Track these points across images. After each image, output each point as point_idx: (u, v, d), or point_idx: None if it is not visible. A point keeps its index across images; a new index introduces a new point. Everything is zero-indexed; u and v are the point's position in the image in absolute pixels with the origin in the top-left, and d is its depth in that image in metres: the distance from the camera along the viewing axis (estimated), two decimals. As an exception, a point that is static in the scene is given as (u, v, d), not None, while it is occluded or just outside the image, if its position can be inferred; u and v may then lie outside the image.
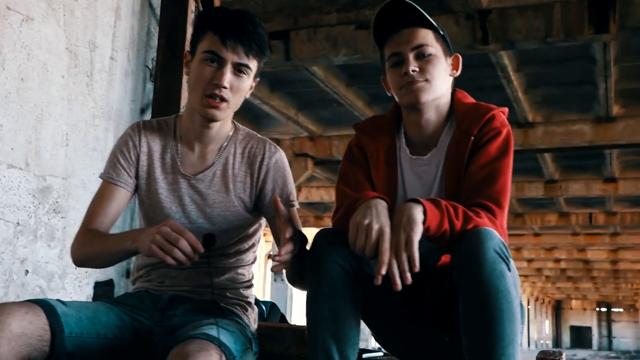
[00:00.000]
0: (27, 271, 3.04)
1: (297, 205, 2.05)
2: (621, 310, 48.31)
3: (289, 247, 1.71)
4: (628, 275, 34.36)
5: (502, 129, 1.91)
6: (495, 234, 1.67)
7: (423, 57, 1.94)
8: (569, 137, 11.50)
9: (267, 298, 12.60)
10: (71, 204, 3.29)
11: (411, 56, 1.94)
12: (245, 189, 2.02)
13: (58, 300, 1.75)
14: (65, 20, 3.26)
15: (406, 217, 1.64)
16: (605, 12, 7.91)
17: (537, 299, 47.73)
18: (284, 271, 1.91)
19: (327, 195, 15.97)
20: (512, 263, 1.67)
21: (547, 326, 54.16)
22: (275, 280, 15.54)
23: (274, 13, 8.83)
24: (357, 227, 1.67)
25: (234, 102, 1.93)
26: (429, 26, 1.96)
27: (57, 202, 3.21)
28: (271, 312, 2.41)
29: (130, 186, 2.03)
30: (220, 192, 2.00)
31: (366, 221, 1.66)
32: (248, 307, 2.03)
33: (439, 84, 1.96)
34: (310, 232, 2.10)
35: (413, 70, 1.92)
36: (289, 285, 2.07)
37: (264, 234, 14.92)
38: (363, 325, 1.89)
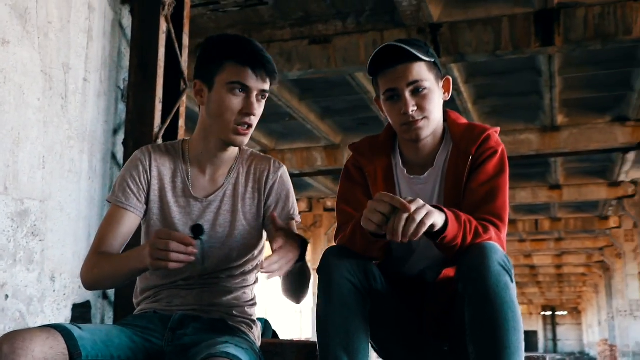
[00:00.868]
0: (7, 296, 3.02)
1: (298, 219, 2.12)
2: (565, 313, 49.53)
3: (274, 259, 1.75)
4: (571, 278, 35.34)
5: (497, 148, 2.02)
6: (499, 248, 1.78)
7: (419, 93, 2.01)
8: (516, 147, 11.83)
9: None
10: (49, 226, 3.27)
11: (407, 93, 2.00)
12: (253, 205, 2.08)
13: (73, 324, 1.77)
14: (39, 42, 3.25)
15: (428, 210, 1.71)
16: (550, 26, 8.21)
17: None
18: None
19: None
20: (513, 275, 1.78)
21: (540, 336, 54.99)
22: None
23: (227, 28, 8.86)
24: (373, 205, 1.74)
25: (254, 126, 2.02)
26: (421, 58, 2.02)
27: (35, 225, 3.19)
28: (265, 328, 2.46)
29: (140, 211, 2.05)
30: (229, 212, 2.06)
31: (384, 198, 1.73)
32: (253, 325, 2.08)
33: (436, 116, 2.06)
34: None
35: (412, 110, 2.00)
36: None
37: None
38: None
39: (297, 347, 2.14)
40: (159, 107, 3.76)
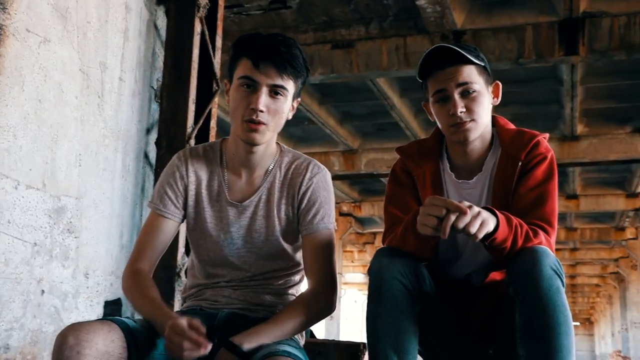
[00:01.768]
0: (43, 291, 3.05)
1: (332, 227, 2.05)
2: (577, 324, 49.21)
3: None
4: (585, 289, 35.11)
5: (547, 154, 2.03)
6: (550, 252, 1.79)
7: (468, 95, 2.02)
8: (535, 155, 11.76)
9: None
10: (84, 223, 3.31)
11: (456, 95, 2.02)
12: (289, 211, 2.04)
13: (128, 317, 1.79)
14: (78, 41, 3.29)
15: (484, 216, 1.73)
16: (574, 35, 8.20)
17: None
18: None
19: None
20: (564, 280, 1.79)
21: None
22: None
23: (250, 31, 8.82)
24: (426, 209, 1.76)
25: (274, 124, 1.94)
26: (471, 61, 2.04)
27: (70, 222, 3.22)
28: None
29: (178, 217, 2.05)
30: (264, 217, 2.03)
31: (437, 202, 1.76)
32: (298, 325, 2.08)
33: (485, 120, 2.07)
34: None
35: (461, 112, 2.01)
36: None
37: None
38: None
39: (340, 347, 2.16)
40: (192, 107, 3.79)
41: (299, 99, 2.03)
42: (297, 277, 2.10)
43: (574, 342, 1.74)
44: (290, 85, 1.94)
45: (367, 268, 2.22)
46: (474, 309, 2.04)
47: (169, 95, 3.81)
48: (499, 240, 1.77)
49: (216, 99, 4.03)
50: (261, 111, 1.89)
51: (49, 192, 3.09)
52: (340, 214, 17.82)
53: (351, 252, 25.45)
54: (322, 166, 2.11)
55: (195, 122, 3.83)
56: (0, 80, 2.81)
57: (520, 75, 9.85)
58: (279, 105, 1.93)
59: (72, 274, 3.23)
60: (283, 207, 2.04)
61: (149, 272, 2.02)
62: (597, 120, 11.43)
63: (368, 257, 23.84)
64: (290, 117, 2.00)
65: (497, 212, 1.78)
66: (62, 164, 3.17)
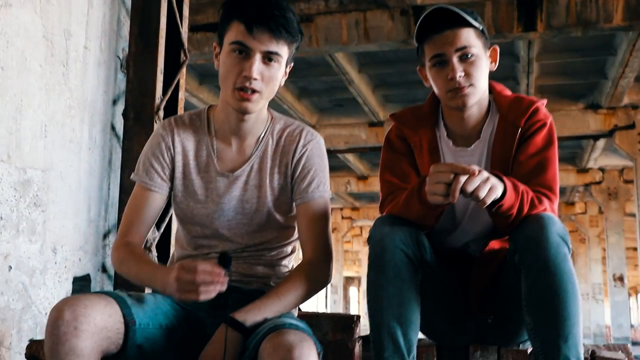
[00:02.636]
0: (10, 267, 2.93)
1: (327, 196, 1.98)
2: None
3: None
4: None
5: (546, 120, 2.00)
6: (557, 219, 1.77)
7: (467, 59, 1.97)
8: (491, 131, 11.89)
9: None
10: (50, 197, 3.18)
11: (455, 59, 1.96)
12: (281, 179, 1.96)
13: (123, 291, 1.72)
14: (41, 6, 3.14)
15: (493, 181, 1.69)
16: (533, 12, 8.26)
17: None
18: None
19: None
20: (570, 246, 1.77)
21: None
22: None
23: (207, 5, 8.72)
24: (434, 177, 1.72)
25: (267, 92, 1.86)
26: (469, 24, 1.99)
27: (37, 195, 3.09)
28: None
29: (165, 190, 1.96)
30: (257, 187, 1.95)
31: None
32: (290, 296, 2.02)
33: (483, 85, 2.02)
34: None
35: (459, 76, 1.96)
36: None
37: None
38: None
39: (333, 319, 2.11)
40: (160, 78, 3.67)
41: (292, 64, 1.94)
42: (289, 249, 2.04)
43: (581, 310, 1.73)
44: (284, 51, 1.84)
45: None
46: (474, 278, 2.01)
47: (135, 65, 3.68)
48: (506, 207, 1.74)
49: (184, 70, 3.91)
50: (255, 79, 1.80)
51: (14, 164, 2.95)
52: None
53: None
54: (316, 132, 2.04)
55: (164, 93, 3.71)
56: (-38, 46, 2.66)
57: (478, 51, 9.92)
58: (273, 72, 1.84)
59: (39, 249, 3.11)
60: (276, 176, 1.96)
61: (140, 244, 1.94)
62: (551, 96, 11.59)
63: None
64: (282, 83, 1.92)
65: (503, 177, 1.75)
66: (27, 135, 3.04)
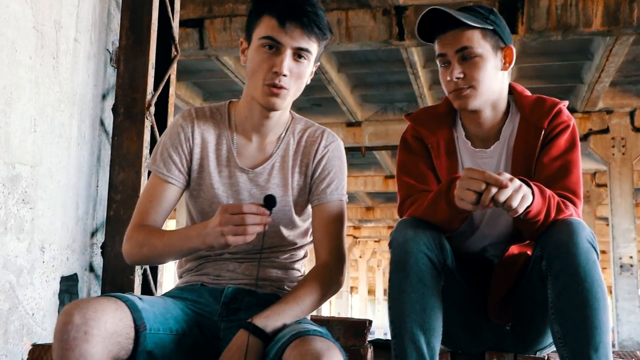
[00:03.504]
0: (-3, 266, 2.82)
1: (345, 199, 1.95)
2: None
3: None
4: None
5: (569, 122, 1.97)
6: (585, 225, 1.73)
7: (468, 60, 1.93)
8: (468, 133, 11.93)
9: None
10: (39, 194, 3.07)
11: (455, 59, 1.93)
12: (301, 180, 1.93)
13: (133, 294, 1.64)
14: (32, -4, 3.04)
15: (525, 190, 1.65)
16: (514, 15, 8.30)
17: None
18: None
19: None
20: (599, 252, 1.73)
21: None
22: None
23: (187, 1, 8.62)
24: (464, 183, 1.67)
25: (295, 89, 1.82)
26: (473, 26, 1.93)
27: (25, 191, 2.99)
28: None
29: (182, 182, 1.90)
30: (279, 185, 1.91)
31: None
32: (303, 301, 1.96)
33: (486, 86, 1.97)
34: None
35: (457, 77, 1.92)
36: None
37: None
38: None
39: (345, 324, 2.06)
40: (151, 73, 3.57)
41: (318, 64, 1.89)
42: (301, 252, 1.99)
43: (610, 318, 1.69)
44: (314, 48, 1.80)
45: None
46: (494, 285, 1.96)
47: (126, 60, 3.58)
48: (534, 213, 1.70)
49: (175, 65, 3.82)
50: (284, 75, 1.75)
51: (2, 159, 2.84)
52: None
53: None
54: (335, 135, 2.00)
55: (155, 88, 3.62)
56: (-47, 35, 2.55)
57: (457, 53, 9.94)
58: (302, 69, 1.80)
59: (27, 248, 3.00)
60: (296, 176, 1.92)
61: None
62: (528, 99, 11.66)
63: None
64: (309, 82, 1.87)
65: (530, 183, 1.71)
66: (17, 128, 2.93)
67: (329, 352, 1.45)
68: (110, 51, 3.70)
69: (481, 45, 1.95)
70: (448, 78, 1.95)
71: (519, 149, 1.96)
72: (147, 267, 3.53)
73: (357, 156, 13.70)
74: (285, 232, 1.91)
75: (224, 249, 1.70)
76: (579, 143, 1.97)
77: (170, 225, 12.03)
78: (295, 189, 1.92)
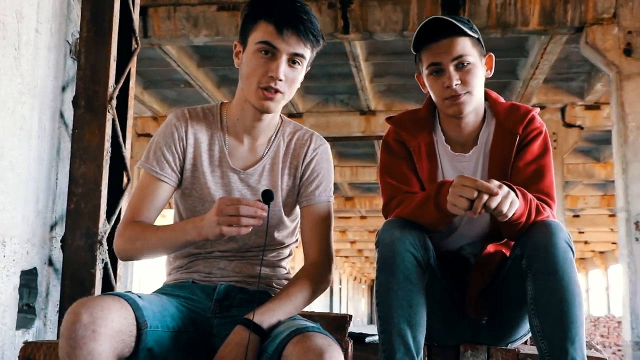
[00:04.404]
0: (-40, 261, 2.78)
1: (332, 200, 2.02)
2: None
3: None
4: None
5: (542, 129, 2.09)
6: (563, 226, 1.85)
7: (463, 67, 2.02)
8: (407, 126, 12.14)
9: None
10: (0, 187, 3.03)
11: (451, 68, 2.01)
12: (290, 181, 1.99)
13: (132, 292, 1.67)
14: (-6, -14, 2.98)
15: (513, 196, 1.75)
16: (456, 11, 8.51)
17: (355, 279, 50.25)
18: None
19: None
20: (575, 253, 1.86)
21: (364, 304, 57.02)
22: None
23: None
24: (457, 190, 1.75)
25: (289, 93, 1.88)
26: (465, 33, 2.03)
27: (-13, 185, 2.94)
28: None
29: (174, 181, 1.93)
30: (269, 186, 1.96)
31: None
32: (289, 298, 2.03)
33: (479, 92, 2.08)
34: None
35: (456, 84, 2.00)
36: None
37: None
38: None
39: (327, 319, 2.12)
40: (113, 65, 3.55)
41: (309, 69, 1.95)
42: (287, 251, 2.05)
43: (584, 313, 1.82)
44: (307, 54, 1.87)
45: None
46: (472, 281, 2.07)
47: (87, 52, 3.54)
48: (517, 216, 1.81)
49: (135, 58, 3.80)
50: (280, 80, 1.82)
51: (-34, 152, 2.80)
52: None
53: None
54: (323, 138, 2.07)
55: (116, 81, 3.60)
56: None
57: (399, 47, 10.10)
58: (296, 74, 1.87)
59: (-11, 243, 2.96)
60: (286, 178, 1.99)
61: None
62: (466, 94, 11.95)
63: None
64: (299, 85, 1.94)
65: (514, 187, 1.81)
66: (-20, 121, 2.88)
67: (331, 348, 1.52)
68: (70, 42, 3.65)
69: (472, 53, 2.04)
70: (446, 85, 2.01)
71: (495, 154, 2.07)
72: (108, 261, 3.51)
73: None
74: (274, 232, 1.97)
75: (219, 239, 1.75)
76: (550, 148, 2.09)
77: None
78: (285, 190, 1.98)
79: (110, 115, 3.51)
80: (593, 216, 22.56)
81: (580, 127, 12.44)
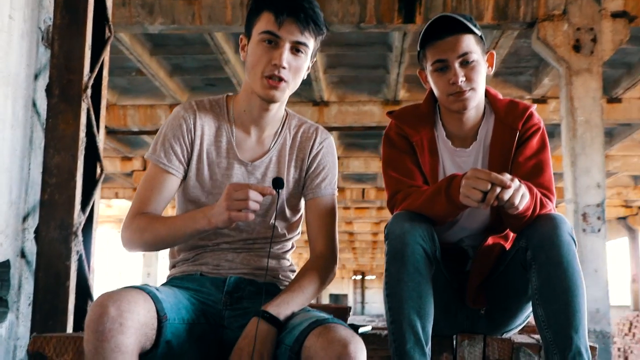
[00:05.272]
0: (-64, 253, 2.70)
1: (336, 193, 2.07)
2: (374, 277, 52.07)
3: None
4: (384, 245, 37.36)
5: (540, 125, 2.17)
6: (566, 219, 1.93)
7: (467, 64, 2.08)
8: (359, 117, 12.26)
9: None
10: (-24, 178, 2.95)
11: (457, 65, 2.07)
12: (296, 173, 2.02)
13: (149, 285, 1.67)
14: (-30, -29, 2.89)
15: (524, 189, 1.82)
16: (413, 4, 8.61)
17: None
18: None
19: (110, 165, 15.32)
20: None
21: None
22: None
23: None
24: (471, 182, 1.81)
25: (293, 83, 1.91)
26: (470, 31, 2.09)
27: (-37, 175, 2.86)
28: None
29: (181, 172, 1.94)
30: None
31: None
32: (294, 290, 2.05)
33: (482, 88, 2.15)
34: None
35: (461, 81, 2.06)
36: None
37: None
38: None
39: (327, 310, 2.15)
40: (88, 54, 3.48)
41: (315, 59, 1.97)
42: (289, 244, 2.09)
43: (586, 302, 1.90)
44: (311, 43, 1.90)
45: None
46: (473, 272, 2.14)
47: (61, 39, 3.46)
48: (525, 209, 1.87)
49: (108, 47, 3.74)
50: (283, 67, 1.84)
51: (-57, 141, 2.71)
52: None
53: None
54: (328, 132, 2.10)
55: (91, 70, 3.53)
56: None
57: (352, 38, 10.16)
58: (300, 63, 1.89)
59: (-35, 234, 2.88)
60: (292, 170, 2.02)
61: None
62: (418, 86, 12.10)
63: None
64: (305, 76, 1.95)
65: (521, 182, 1.87)
66: (-45, 110, 2.80)
67: (354, 339, 1.56)
68: (42, 29, 3.57)
69: (476, 50, 2.11)
70: (451, 81, 2.07)
71: (495, 149, 2.14)
72: (83, 253, 3.46)
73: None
74: (278, 224, 1.99)
75: (228, 226, 1.77)
76: (548, 144, 2.17)
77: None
78: (291, 182, 2.01)
79: (85, 105, 3.45)
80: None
81: (527, 121, 12.74)
